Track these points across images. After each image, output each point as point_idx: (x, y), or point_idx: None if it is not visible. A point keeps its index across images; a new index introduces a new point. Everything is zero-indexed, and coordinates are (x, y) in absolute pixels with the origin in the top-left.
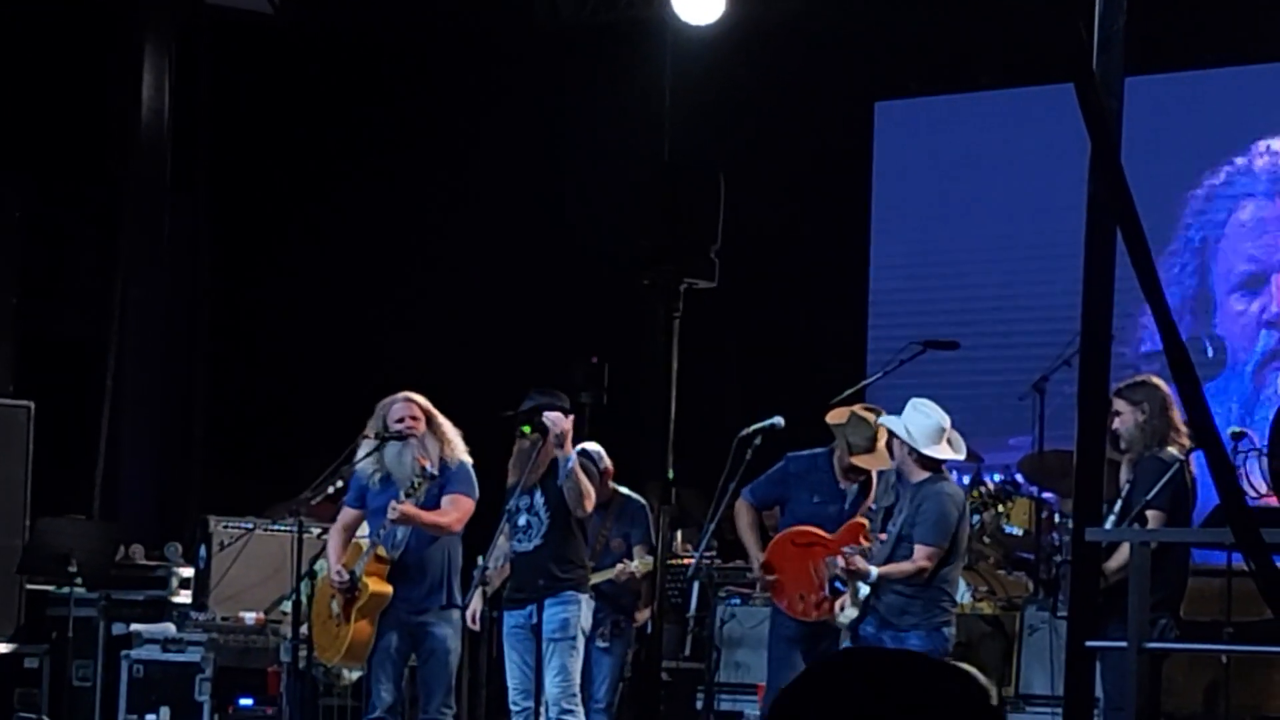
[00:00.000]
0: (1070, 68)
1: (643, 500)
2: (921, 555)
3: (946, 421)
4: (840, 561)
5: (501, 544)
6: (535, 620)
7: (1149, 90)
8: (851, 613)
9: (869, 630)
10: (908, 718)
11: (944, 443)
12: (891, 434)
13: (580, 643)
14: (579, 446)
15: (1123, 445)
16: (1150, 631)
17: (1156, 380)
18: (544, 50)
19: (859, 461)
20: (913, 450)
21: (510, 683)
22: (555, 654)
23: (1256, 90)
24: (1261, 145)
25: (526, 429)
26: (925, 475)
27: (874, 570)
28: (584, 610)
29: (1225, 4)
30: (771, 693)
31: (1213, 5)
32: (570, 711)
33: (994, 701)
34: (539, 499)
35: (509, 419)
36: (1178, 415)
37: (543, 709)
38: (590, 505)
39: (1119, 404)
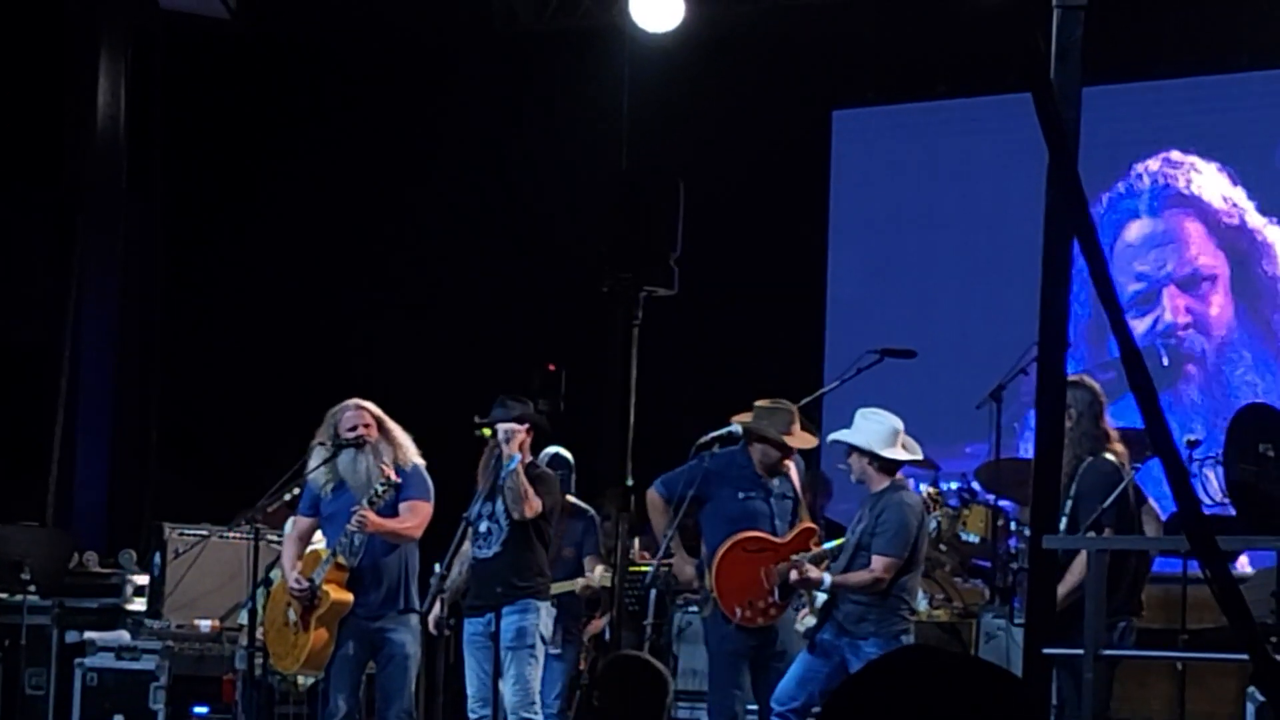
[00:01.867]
0: (1028, 77)
1: (593, 511)
2: (879, 566)
3: (899, 424)
4: (794, 574)
5: (465, 550)
6: (494, 628)
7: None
8: (810, 620)
9: (826, 638)
10: (962, 715)
11: (899, 445)
12: (850, 446)
13: (540, 651)
14: (551, 449)
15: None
16: (1111, 635)
17: (1088, 380)
18: (502, 56)
19: (793, 441)
20: (872, 457)
21: (469, 690)
22: (513, 662)
23: (1129, 110)
24: (1139, 167)
25: (487, 432)
26: (885, 484)
27: (827, 578)
28: (543, 618)
29: (1093, 23)
30: (714, 709)
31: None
32: (529, 719)
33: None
34: (499, 506)
35: (477, 426)
36: (1106, 418)
37: (501, 717)
38: (531, 509)
39: None
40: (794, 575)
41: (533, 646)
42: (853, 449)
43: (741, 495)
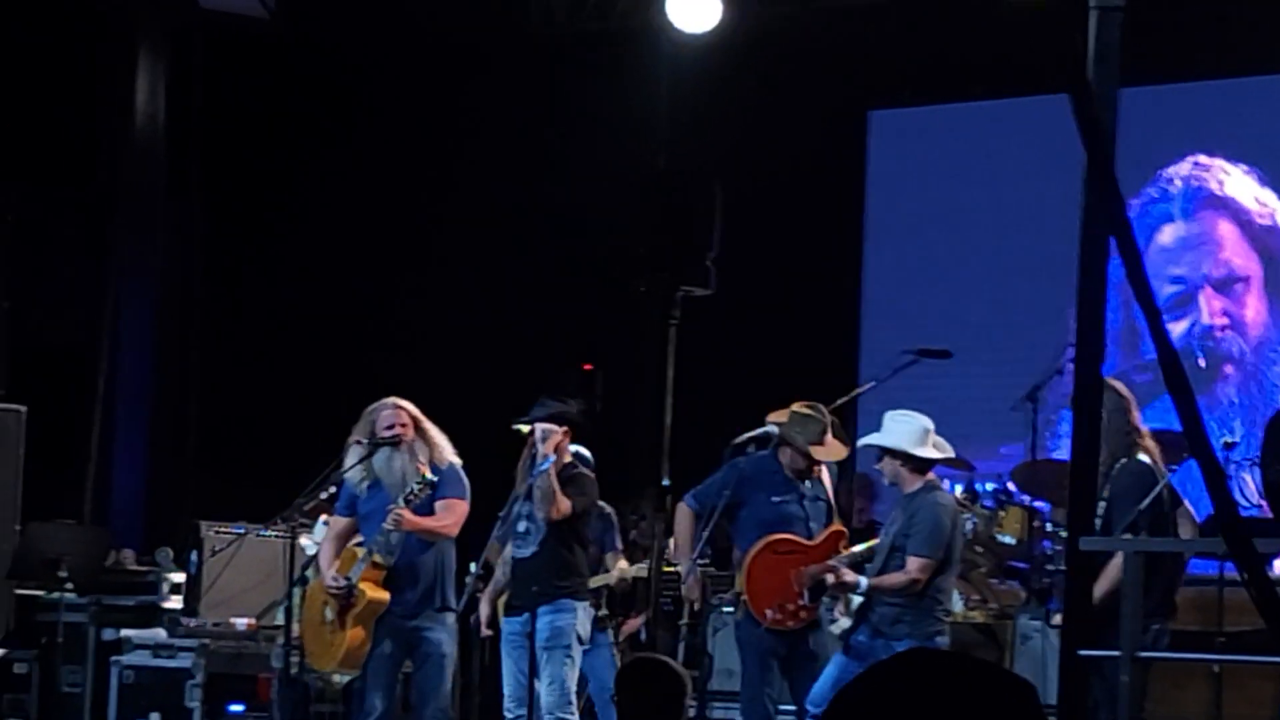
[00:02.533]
0: (1066, 78)
1: (610, 509)
2: (914, 567)
3: (929, 423)
4: (830, 577)
5: (508, 551)
6: (530, 627)
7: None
8: (844, 622)
9: (861, 640)
10: (966, 718)
11: (929, 444)
12: (881, 449)
13: (576, 651)
14: (572, 448)
15: None
16: (1144, 638)
17: (1113, 382)
18: (539, 57)
19: (817, 454)
20: (905, 458)
21: (505, 689)
22: (549, 662)
23: (1154, 112)
24: (1169, 171)
25: (525, 430)
26: (919, 484)
27: (863, 581)
28: (580, 618)
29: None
30: (749, 709)
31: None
32: (565, 719)
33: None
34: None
35: (515, 425)
36: (1137, 416)
37: (536, 717)
38: (559, 511)
39: None
40: (830, 579)
41: (569, 646)
42: (884, 451)
43: (776, 499)
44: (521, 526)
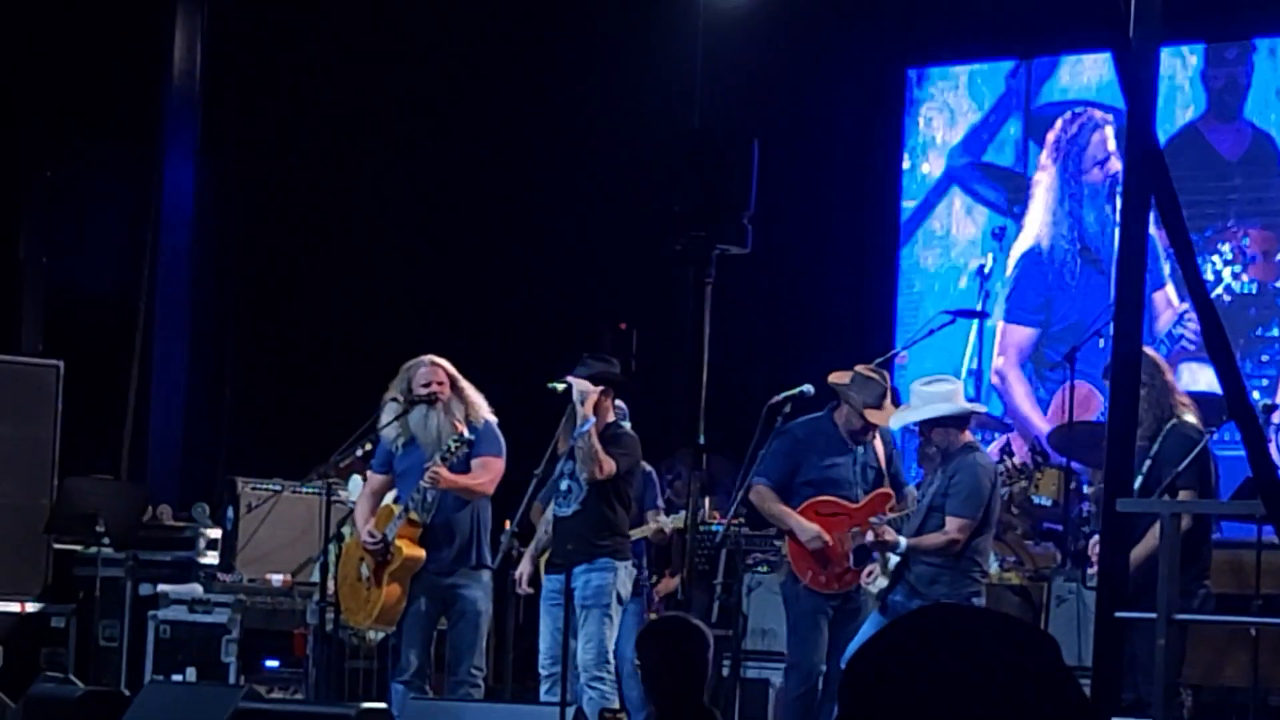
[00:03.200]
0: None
1: (649, 467)
2: (954, 527)
3: (952, 382)
4: (870, 535)
5: (549, 510)
6: (570, 586)
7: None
8: (882, 582)
9: (898, 599)
10: (987, 673)
11: (960, 399)
12: (929, 421)
13: (615, 610)
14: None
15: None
16: (1191, 602)
17: (1146, 349)
18: (575, 14)
19: (872, 417)
20: (951, 420)
21: (541, 646)
22: (587, 620)
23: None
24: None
25: (560, 387)
26: (964, 442)
27: (903, 541)
28: (621, 577)
29: None
30: (797, 667)
31: None
32: (600, 679)
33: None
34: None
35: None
36: (1173, 378)
37: (572, 675)
38: (603, 470)
39: None
40: (870, 537)
41: (608, 605)
42: (931, 424)
43: (826, 463)
44: (564, 485)
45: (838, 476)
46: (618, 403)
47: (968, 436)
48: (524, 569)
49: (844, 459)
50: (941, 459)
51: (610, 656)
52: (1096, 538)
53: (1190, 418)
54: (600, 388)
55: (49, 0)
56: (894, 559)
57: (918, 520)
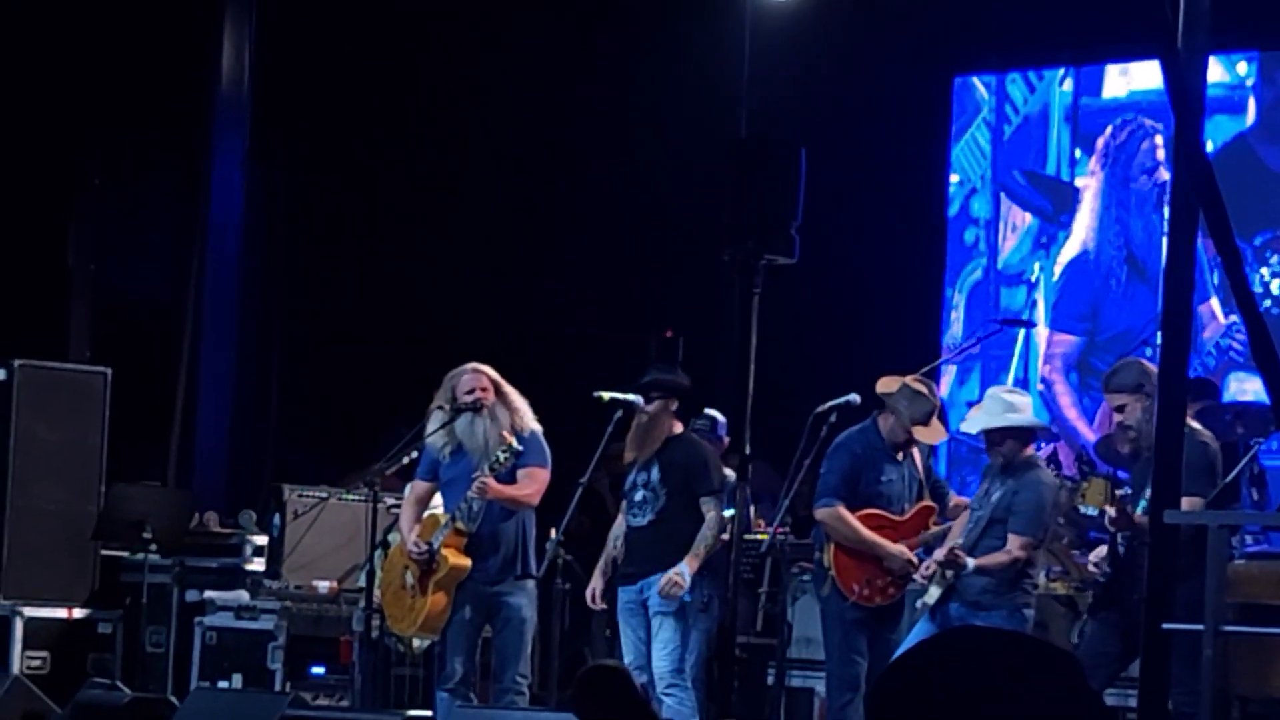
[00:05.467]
0: (1156, 46)
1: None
2: (1016, 545)
3: (1027, 396)
4: (941, 553)
5: (619, 522)
6: (644, 596)
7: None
8: (935, 592)
9: (952, 611)
10: (1010, 692)
11: (1031, 412)
12: (1005, 430)
13: (691, 618)
14: (706, 411)
15: (1132, 436)
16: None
17: (1142, 361)
18: (622, 20)
19: (919, 435)
20: (1020, 432)
21: (626, 658)
22: (662, 628)
23: None
24: None
25: (605, 396)
26: (1025, 456)
27: (971, 563)
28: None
29: None
30: (840, 678)
31: None
32: (677, 685)
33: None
34: (655, 474)
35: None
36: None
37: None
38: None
39: (1118, 398)
40: (941, 554)
41: (681, 612)
42: (1003, 433)
43: (883, 478)
44: (639, 496)
45: (890, 492)
46: (716, 415)
47: (1030, 451)
48: (595, 584)
49: (896, 473)
50: (1001, 470)
51: (686, 664)
52: (1096, 550)
53: (1194, 423)
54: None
55: (96, 7)
56: (951, 572)
57: (976, 533)
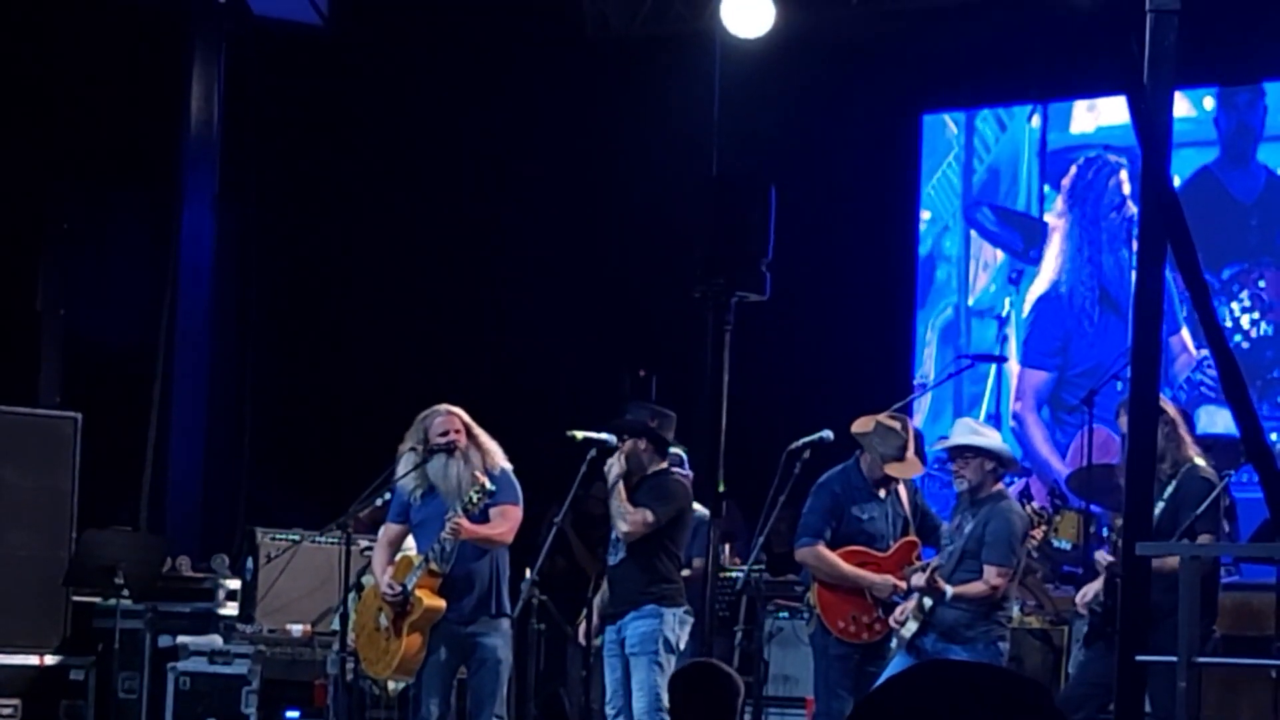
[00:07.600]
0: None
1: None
2: (993, 575)
3: (996, 433)
4: (919, 577)
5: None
6: (622, 636)
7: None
8: (912, 626)
9: (927, 644)
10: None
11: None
12: (982, 452)
13: (665, 657)
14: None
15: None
16: (1205, 646)
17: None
18: (594, 62)
19: (892, 470)
20: (999, 463)
21: (606, 698)
22: (635, 668)
23: None
24: None
25: (578, 435)
26: (994, 489)
27: (949, 590)
28: (669, 624)
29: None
30: (827, 716)
31: None
32: None
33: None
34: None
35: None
36: (1186, 431)
37: None
38: (630, 525)
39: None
40: (918, 579)
41: (655, 652)
42: (976, 453)
43: (864, 515)
44: (614, 534)
45: (873, 530)
46: (675, 450)
47: (1000, 486)
48: (590, 622)
49: (878, 510)
50: (970, 503)
51: (663, 703)
52: (1087, 588)
53: (1201, 460)
54: (634, 439)
55: (66, 52)
56: (928, 603)
57: (950, 566)
